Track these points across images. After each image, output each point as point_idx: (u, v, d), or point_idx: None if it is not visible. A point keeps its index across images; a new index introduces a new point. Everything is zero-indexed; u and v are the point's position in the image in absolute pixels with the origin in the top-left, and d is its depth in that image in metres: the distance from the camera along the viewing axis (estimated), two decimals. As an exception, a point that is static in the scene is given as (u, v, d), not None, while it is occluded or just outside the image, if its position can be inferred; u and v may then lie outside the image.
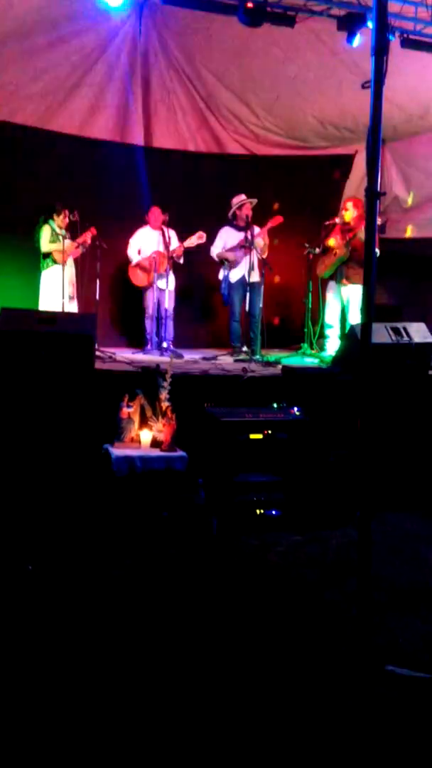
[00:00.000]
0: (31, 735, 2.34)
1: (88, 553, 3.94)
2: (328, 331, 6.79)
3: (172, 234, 6.93)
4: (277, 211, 7.03)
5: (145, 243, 7.03)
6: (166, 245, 6.81)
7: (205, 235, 6.79)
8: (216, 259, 7.13)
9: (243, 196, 7.02)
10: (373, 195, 2.68)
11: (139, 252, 7.07)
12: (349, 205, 6.63)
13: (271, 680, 2.72)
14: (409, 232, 8.29)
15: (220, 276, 7.18)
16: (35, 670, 2.74)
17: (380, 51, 2.54)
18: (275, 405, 4.96)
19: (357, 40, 6.03)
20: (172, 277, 7.07)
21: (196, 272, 7.71)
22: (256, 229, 6.82)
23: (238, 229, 6.97)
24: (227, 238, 7.04)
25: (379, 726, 2.45)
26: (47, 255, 6.66)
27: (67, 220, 6.61)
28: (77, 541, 4.07)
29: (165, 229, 6.87)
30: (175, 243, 6.88)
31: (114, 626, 3.12)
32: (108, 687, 2.64)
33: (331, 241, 6.65)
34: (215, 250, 7.10)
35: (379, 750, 2.35)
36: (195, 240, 6.79)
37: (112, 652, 2.90)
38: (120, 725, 2.41)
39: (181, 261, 6.99)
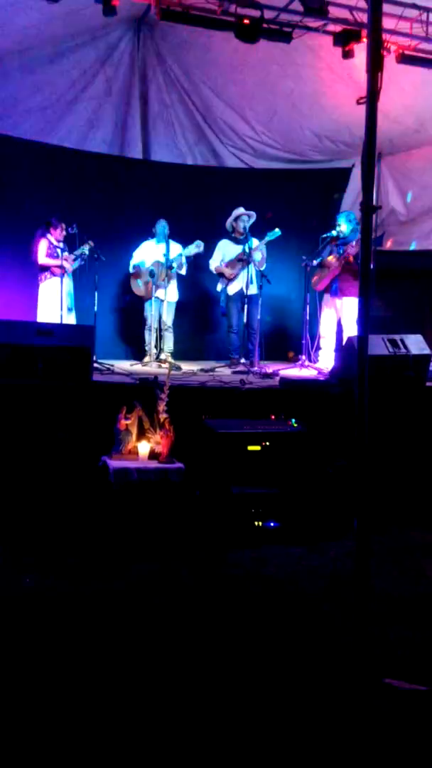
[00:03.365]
0: (30, 744, 2.33)
1: (86, 566, 3.93)
2: (322, 343, 6.83)
3: (177, 247, 6.97)
4: (269, 218, 7.07)
5: (149, 255, 7.07)
6: (167, 257, 6.85)
7: (203, 244, 6.84)
8: (215, 272, 7.18)
9: (241, 209, 7.07)
10: (368, 209, 2.71)
11: (142, 263, 7.11)
12: (342, 219, 6.70)
13: (269, 693, 2.71)
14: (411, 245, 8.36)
15: (218, 288, 7.22)
16: (33, 682, 2.73)
17: (375, 68, 2.57)
18: (273, 417, 4.97)
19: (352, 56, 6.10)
20: (174, 290, 7.10)
21: (194, 284, 7.75)
22: (254, 242, 6.87)
23: (236, 241, 7.02)
24: (225, 250, 7.09)
25: (377, 739, 2.45)
26: (45, 268, 6.71)
27: (64, 233, 6.66)
28: (75, 554, 4.06)
29: (170, 241, 6.92)
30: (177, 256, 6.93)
31: (113, 638, 3.11)
32: (108, 698, 2.63)
33: (327, 254, 6.70)
34: (213, 263, 7.14)
35: (377, 763, 2.34)
36: (193, 249, 6.83)
37: (111, 663, 2.89)
38: (119, 738, 2.40)
39: (183, 272, 7.03)
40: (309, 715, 2.57)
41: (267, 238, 6.81)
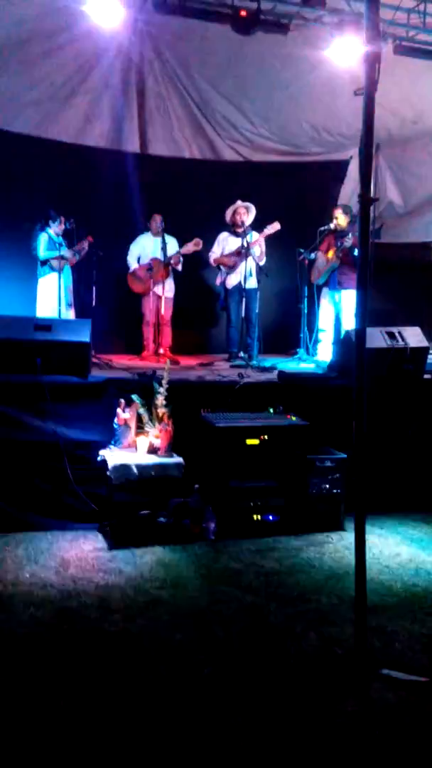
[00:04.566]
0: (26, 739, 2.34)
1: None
2: (321, 336, 6.83)
3: (173, 241, 6.95)
4: (268, 213, 7.05)
5: (145, 249, 7.06)
6: (165, 253, 6.83)
7: (201, 241, 6.82)
8: (213, 264, 7.17)
9: (238, 202, 7.06)
10: (366, 201, 2.70)
11: (138, 258, 7.10)
12: (338, 213, 6.69)
13: (267, 683, 2.72)
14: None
15: (217, 282, 7.21)
16: (26, 670, 2.74)
17: (372, 59, 2.56)
18: (271, 410, 4.97)
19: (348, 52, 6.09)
20: (171, 285, 7.09)
21: (193, 278, 7.73)
22: (254, 235, 6.85)
23: (236, 235, 7.00)
24: (225, 243, 7.08)
25: (375, 728, 2.46)
26: (44, 262, 6.69)
27: (63, 226, 6.64)
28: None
29: (165, 236, 6.90)
30: (174, 250, 6.90)
31: (109, 633, 3.13)
32: (102, 687, 2.64)
33: (325, 247, 6.69)
34: (213, 256, 7.13)
35: (376, 753, 2.35)
36: (192, 247, 6.81)
37: (107, 655, 2.91)
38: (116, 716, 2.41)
39: (179, 268, 7.02)
40: (308, 705, 2.58)
41: (266, 232, 6.79)
